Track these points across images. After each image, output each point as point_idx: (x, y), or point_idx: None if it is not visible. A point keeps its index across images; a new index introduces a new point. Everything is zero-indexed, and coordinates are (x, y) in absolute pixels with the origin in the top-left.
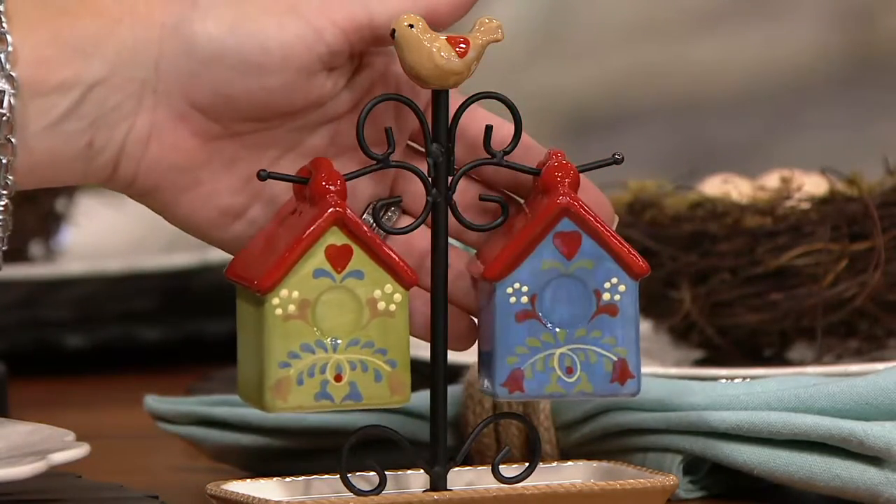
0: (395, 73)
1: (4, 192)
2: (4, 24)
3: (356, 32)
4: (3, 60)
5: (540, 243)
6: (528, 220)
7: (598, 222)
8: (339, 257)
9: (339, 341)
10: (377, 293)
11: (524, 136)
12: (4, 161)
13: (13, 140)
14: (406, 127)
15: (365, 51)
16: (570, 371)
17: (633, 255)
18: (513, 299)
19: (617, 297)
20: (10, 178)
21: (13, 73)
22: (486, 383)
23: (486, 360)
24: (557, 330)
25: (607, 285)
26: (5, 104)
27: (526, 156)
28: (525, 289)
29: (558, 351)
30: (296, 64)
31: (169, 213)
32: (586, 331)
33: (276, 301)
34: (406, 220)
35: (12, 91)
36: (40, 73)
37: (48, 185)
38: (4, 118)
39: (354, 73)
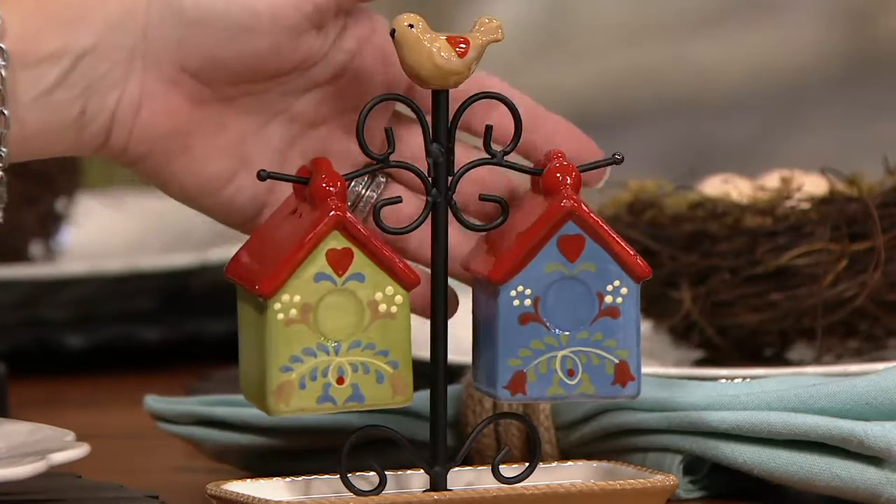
0: (380, 38)
1: None
2: None
3: None
4: None
5: (544, 247)
6: (532, 223)
7: (601, 225)
8: (340, 261)
9: (340, 344)
10: (378, 295)
11: (537, 108)
12: None
13: (5, 112)
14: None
15: (351, 8)
16: (571, 373)
17: (636, 257)
18: (516, 302)
19: (619, 299)
20: (4, 149)
21: (2, 46)
22: (485, 384)
23: (487, 362)
24: (560, 333)
25: (610, 288)
26: None
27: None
28: (528, 292)
29: (560, 353)
30: (284, 24)
31: (159, 180)
32: (588, 333)
33: (277, 306)
34: (392, 190)
35: (2, 63)
36: (29, 44)
37: (40, 157)
38: None
39: (340, 34)
